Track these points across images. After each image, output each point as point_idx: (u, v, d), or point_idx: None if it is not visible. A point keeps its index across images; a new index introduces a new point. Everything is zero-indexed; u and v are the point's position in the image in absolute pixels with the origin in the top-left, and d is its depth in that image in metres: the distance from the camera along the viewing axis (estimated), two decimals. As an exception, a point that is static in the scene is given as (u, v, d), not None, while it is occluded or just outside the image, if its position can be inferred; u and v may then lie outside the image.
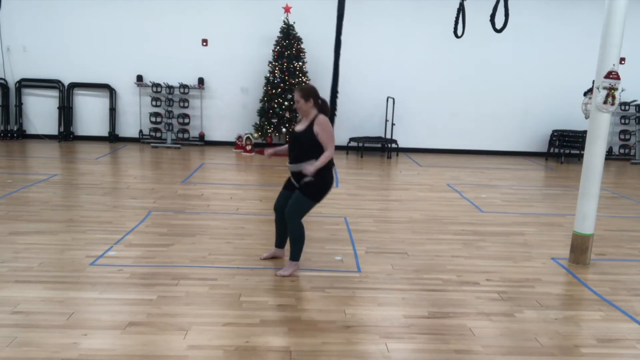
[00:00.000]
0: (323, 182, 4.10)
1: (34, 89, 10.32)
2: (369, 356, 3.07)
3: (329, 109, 4.22)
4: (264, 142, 10.21)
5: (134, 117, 10.51)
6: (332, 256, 4.63)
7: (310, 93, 4.11)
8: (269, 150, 4.40)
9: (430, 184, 7.92)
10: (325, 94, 4.31)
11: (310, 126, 4.06)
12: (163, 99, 10.21)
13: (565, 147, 10.44)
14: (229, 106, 10.52)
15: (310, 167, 4.00)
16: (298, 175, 4.12)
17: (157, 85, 10.16)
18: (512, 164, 9.98)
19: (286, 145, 4.35)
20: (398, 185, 7.89)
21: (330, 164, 4.13)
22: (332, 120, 4.21)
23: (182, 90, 10.19)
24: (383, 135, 10.50)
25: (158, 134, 10.29)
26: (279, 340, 3.18)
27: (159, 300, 3.65)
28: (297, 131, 4.20)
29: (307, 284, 4.03)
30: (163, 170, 8.21)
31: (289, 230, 4.16)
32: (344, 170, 8.62)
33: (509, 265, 4.62)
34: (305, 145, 4.06)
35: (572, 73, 10.44)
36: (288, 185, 4.28)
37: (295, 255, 4.19)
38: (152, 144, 10.22)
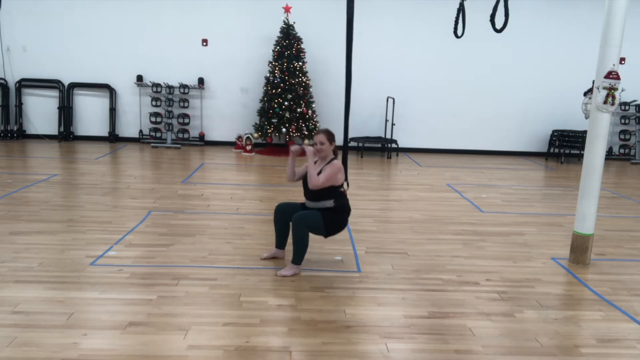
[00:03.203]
0: (341, 220, 4.21)
1: (34, 89, 10.33)
2: (369, 356, 3.07)
3: (338, 153, 4.34)
4: (264, 142, 10.22)
5: (134, 117, 10.52)
6: (332, 256, 4.63)
7: (333, 137, 4.25)
8: (295, 148, 4.34)
9: (430, 184, 7.92)
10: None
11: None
12: (163, 99, 10.21)
13: (565, 147, 10.44)
14: (229, 106, 10.53)
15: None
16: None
17: (157, 85, 10.16)
18: (512, 164, 9.98)
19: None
20: (398, 185, 7.89)
21: (348, 209, 4.26)
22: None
23: (182, 90, 10.20)
24: (383, 135, 10.50)
25: (158, 134, 10.30)
26: (279, 340, 3.18)
27: (159, 300, 3.65)
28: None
29: (307, 284, 4.03)
30: (163, 170, 8.21)
31: (293, 233, 4.15)
32: (344, 170, 8.61)
33: (509, 265, 4.62)
34: (321, 189, 4.12)
35: (572, 73, 10.45)
36: (305, 206, 4.32)
37: (297, 259, 4.18)
38: (152, 144, 10.22)
